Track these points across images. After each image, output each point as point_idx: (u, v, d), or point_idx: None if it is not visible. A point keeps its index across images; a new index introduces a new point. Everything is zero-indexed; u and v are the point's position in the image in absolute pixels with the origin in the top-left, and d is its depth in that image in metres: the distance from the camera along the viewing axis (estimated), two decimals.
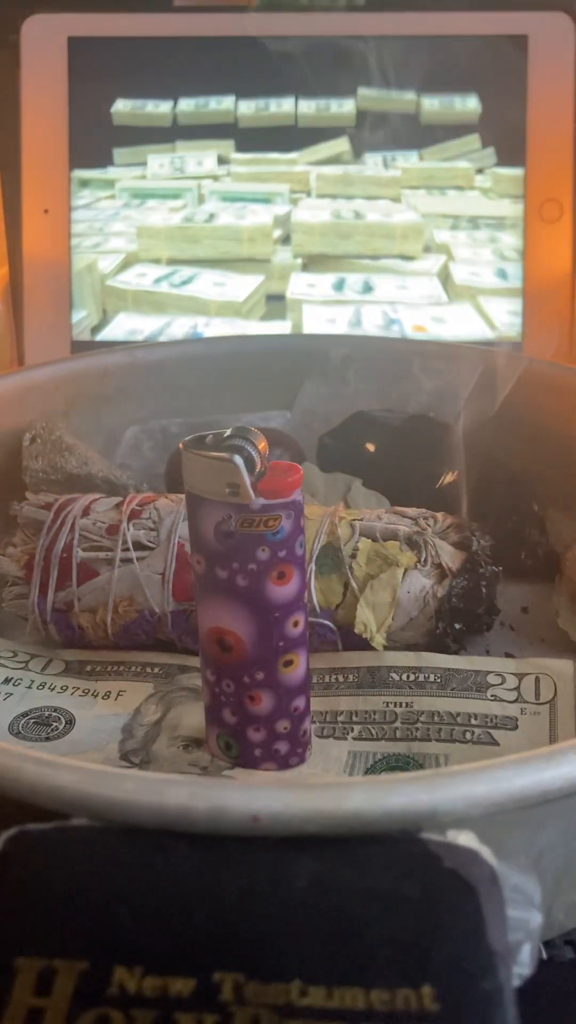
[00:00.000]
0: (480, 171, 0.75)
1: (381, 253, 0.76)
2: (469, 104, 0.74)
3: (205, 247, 0.77)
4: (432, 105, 0.74)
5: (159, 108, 0.75)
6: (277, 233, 0.76)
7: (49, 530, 0.48)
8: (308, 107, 0.75)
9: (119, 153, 0.76)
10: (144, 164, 0.76)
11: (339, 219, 0.76)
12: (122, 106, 0.74)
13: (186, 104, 0.75)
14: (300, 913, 0.27)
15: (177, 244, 0.76)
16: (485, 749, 0.40)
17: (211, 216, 0.77)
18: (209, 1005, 0.25)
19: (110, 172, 0.76)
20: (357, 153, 0.76)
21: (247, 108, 0.75)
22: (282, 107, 0.75)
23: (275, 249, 0.76)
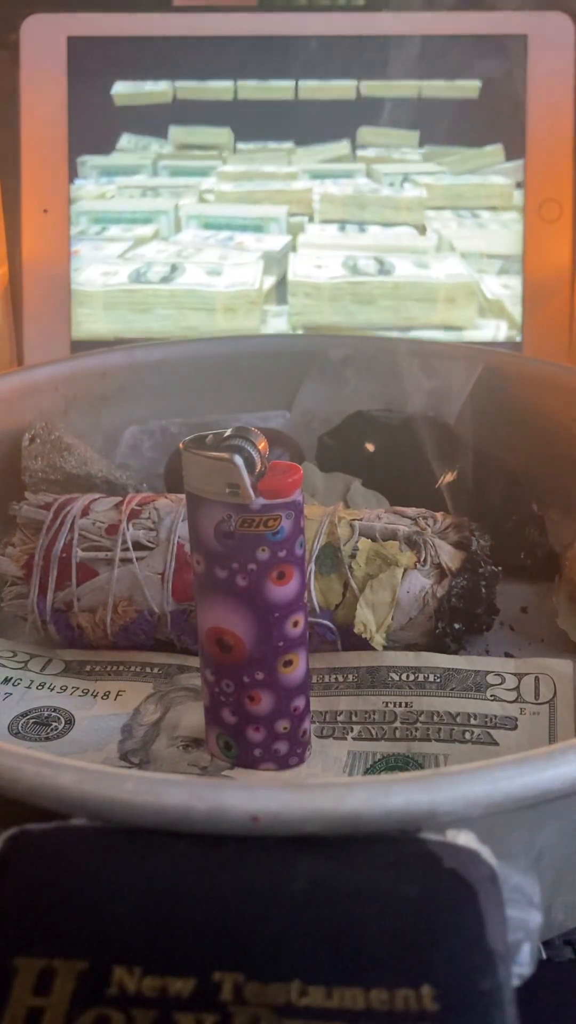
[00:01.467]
0: (519, 185, 0.67)
1: (416, 324, 0.61)
2: (469, 92, 0.70)
3: (161, 319, 0.61)
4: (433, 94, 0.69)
5: (159, 87, 0.68)
6: (270, 281, 0.60)
7: (48, 530, 0.48)
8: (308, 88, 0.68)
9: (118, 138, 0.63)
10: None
11: (356, 274, 0.59)
12: (122, 88, 0.69)
13: (184, 85, 0.67)
14: (300, 913, 0.27)
15: (122, 315, 0.61)
16: (484, 749, 0.40)
17: (173, 269, 0.60)
18: (209, 1005, 0.25)
19: (75, 185, 0.67)
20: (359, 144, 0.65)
21: (246, 92, 0.67)
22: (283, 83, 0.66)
23: (264, 316, 0.61)
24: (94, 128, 0.73)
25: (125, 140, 0.71)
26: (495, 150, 0.70)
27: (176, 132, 0.70)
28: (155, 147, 0.71)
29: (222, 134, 0.68)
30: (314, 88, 0.68)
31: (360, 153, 0.68)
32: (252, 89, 0.69)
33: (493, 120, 0.72)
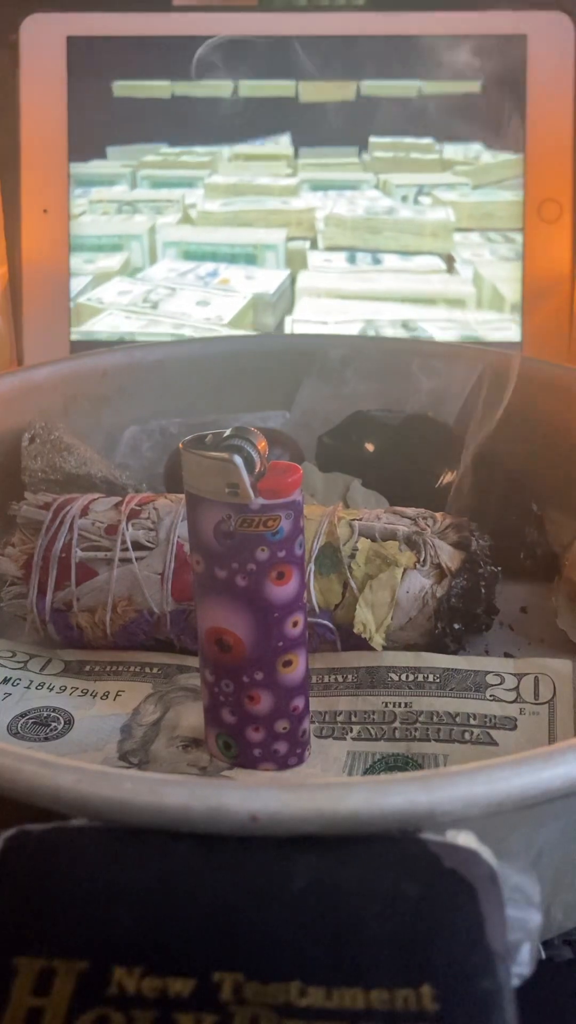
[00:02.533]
0: None
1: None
2: (471, 89, 0.67)
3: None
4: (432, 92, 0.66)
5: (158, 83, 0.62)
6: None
7: (48, 530, 0.48)
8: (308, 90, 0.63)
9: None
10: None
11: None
12: (121, 85, 0.66)
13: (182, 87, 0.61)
14: (299, 913, 0.27)
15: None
16: (484, 749, 0.40)
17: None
18: (209, 1005, 0.25)
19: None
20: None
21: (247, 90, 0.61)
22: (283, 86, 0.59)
23: None
24: (94, 128, 0.73)
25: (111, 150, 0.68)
26: (519, 160, 0.66)
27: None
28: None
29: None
30: (315, 89, 0.64)
31: (368, 157, 0.61)
32: (253, 88, 0.66)
33: (491, 118, 0.72)
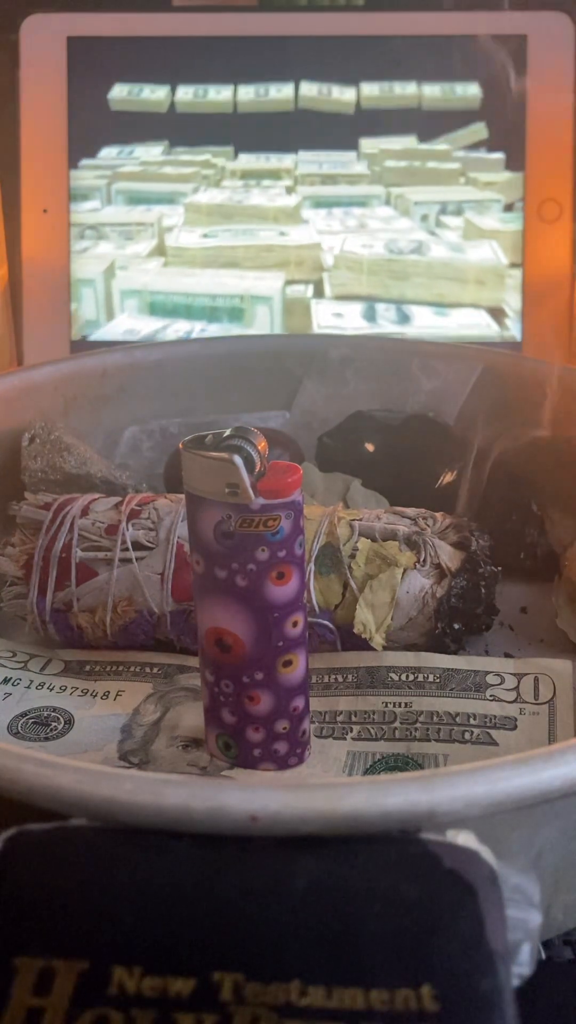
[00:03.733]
0: None
1: None
2: (470, 91, 0.66)
3: None
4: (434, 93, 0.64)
5: (155, 94, 0.61)
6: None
7: (48, 530, 0.48)
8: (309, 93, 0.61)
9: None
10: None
11: None
12: (119, 92, 0.65)
13: (184, 93, 0.61)
14: (299, 913, 0.27)
15: None
16: (484, 749, 0.40)
17: None
18: (209, 1005, 0.25)
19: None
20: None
21: (246, 95, 0.58)
22: (282, 91, 0.57)
23: None
24: (94, 128, 0.73)
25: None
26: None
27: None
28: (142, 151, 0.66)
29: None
30: (314, 99, 0.60)
31: (375, 165, 0.56)
32: (252, 103, 0.63)
33: (491, 119, 0.72)
